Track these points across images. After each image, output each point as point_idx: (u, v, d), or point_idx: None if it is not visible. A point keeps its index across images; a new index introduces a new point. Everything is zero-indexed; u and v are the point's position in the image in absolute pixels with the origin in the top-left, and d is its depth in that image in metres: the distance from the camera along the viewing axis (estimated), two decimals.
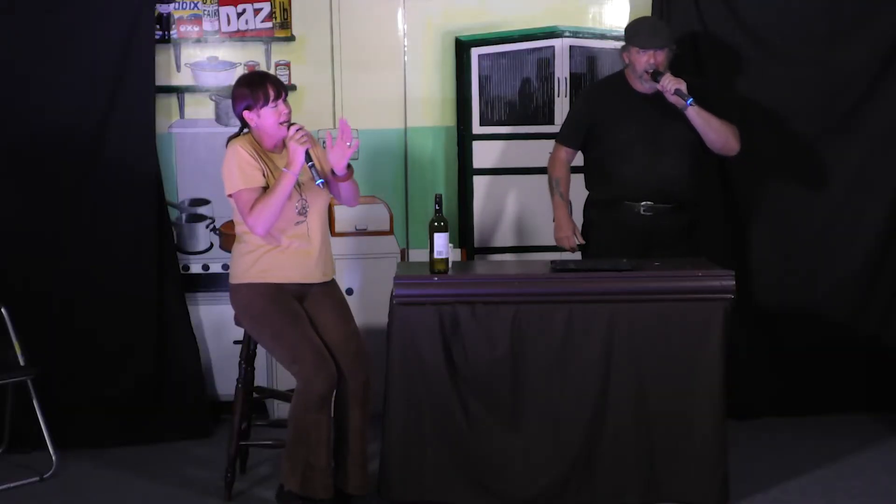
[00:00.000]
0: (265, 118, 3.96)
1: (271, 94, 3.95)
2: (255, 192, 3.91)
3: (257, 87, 3.96)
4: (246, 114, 3.98)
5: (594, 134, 4.63)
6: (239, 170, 3.92)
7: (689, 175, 4.57)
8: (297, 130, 3.91)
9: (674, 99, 4.42)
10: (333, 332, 4.03)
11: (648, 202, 4.55)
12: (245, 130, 4.06)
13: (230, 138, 4.06)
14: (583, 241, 4.72)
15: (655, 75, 4.41)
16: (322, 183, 3.94)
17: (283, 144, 4.01)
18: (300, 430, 3.94)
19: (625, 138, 4.54)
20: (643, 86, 4.53)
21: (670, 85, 4.40)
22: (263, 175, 3.95)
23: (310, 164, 3.91)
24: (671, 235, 4.57)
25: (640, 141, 4.52)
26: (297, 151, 3.89)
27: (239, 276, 4.06)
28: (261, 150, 4.00)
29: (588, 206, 4.77)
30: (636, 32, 4.54)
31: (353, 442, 4.05)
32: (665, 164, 4.52)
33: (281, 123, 3.96)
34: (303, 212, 4.01)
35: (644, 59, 4.47)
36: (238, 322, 4.28)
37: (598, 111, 4.63)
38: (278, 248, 3.99)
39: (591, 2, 5.16)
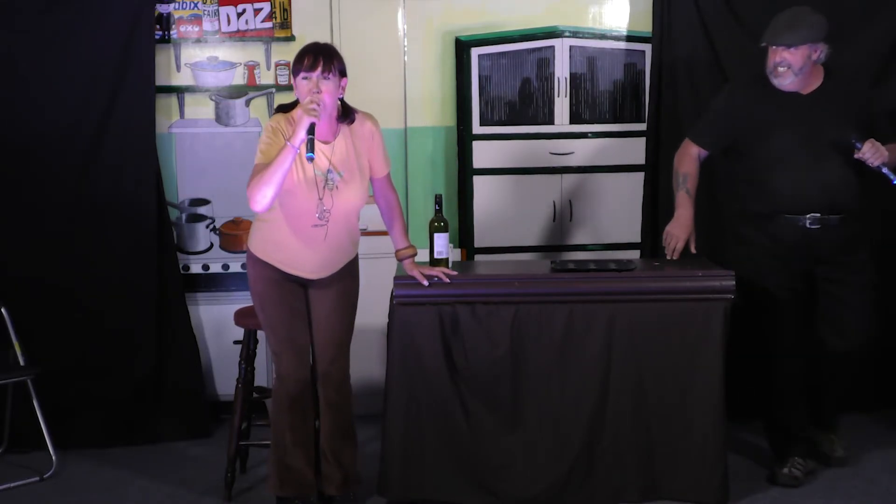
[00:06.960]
0: (298, 88, 3.70)
1: (306, 63, 3.66)
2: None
3: (302, 53, 3.70)
4: (292, 78, 3.75)
5: (744, 141, 4.23)
6: (262, 143, 3.68)
7: (856, 181, 4.16)
8: (311, 101, 3.58)
9: (876, 169, 4.02)
10: (323, 329, 3.94)
11: (815, 214, 4.12)
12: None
13: (280, 107, 3.83)
14: (693, 252, 4.28)
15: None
16: (311, 157, 3.57)
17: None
18: (277, 433, 3.94)
19: (782, 145, 4.13)
20: (782, 83, 4.10)
21: (874, 161, 3.99)
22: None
23: (309, 136, 3.55)
24: (839, 250, 4.19)
25: (801, 147, 4.10)
26: (301, 120, 3.56)
27: (252, 245, 3.90)
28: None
29: (739, 220, 4.35)
30: (769, 26, 4.10)
31: (327, 442, 4.00)
32: (829, 170, 4.10)
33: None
34: (323, 217, 3.77)
35: (771, 57, 4.10)
36: (239, 323, 4.28)
37: (746, 115, 4.21)
38: (285, 245, 3.81)
39: (591, 2, 5.16)
